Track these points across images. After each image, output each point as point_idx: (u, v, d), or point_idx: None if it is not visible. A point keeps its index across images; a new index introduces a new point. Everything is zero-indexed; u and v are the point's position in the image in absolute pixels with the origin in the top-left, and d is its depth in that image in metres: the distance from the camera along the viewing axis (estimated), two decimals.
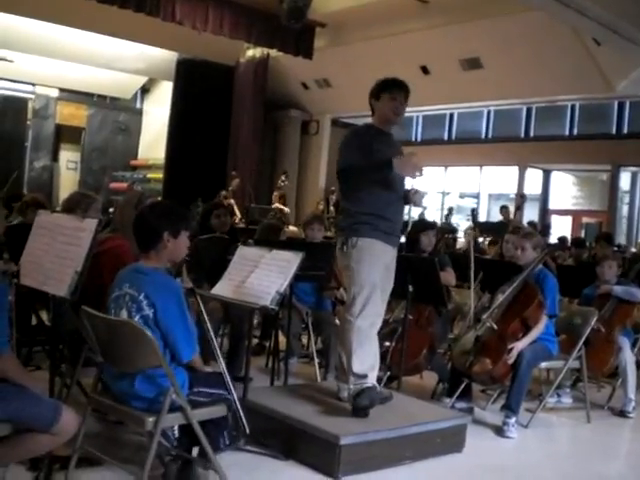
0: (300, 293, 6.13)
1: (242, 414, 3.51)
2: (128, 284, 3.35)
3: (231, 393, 3.46)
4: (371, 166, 4.28)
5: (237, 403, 3.49)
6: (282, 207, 14.25)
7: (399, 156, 4.28)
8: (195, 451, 3.53)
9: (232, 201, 12.00)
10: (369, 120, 4.63)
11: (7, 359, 2.97)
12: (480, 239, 10.99)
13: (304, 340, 6.90)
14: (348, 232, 4.39)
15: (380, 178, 4.30)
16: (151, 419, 3.17)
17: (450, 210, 14.18)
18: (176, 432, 3.43)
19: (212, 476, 3.49)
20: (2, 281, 3.13)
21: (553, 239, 11.89)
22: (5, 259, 3.92)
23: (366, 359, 4.34)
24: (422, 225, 6.22)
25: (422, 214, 12.98)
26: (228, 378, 3.50)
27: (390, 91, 4.50)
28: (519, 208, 12.26)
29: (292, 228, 11.51)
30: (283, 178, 14.53)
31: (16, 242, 4.22)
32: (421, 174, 4.29)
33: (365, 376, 4.31)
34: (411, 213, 13.10)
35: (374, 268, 4.33)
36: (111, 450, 3.78)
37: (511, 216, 12.23)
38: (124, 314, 3.30)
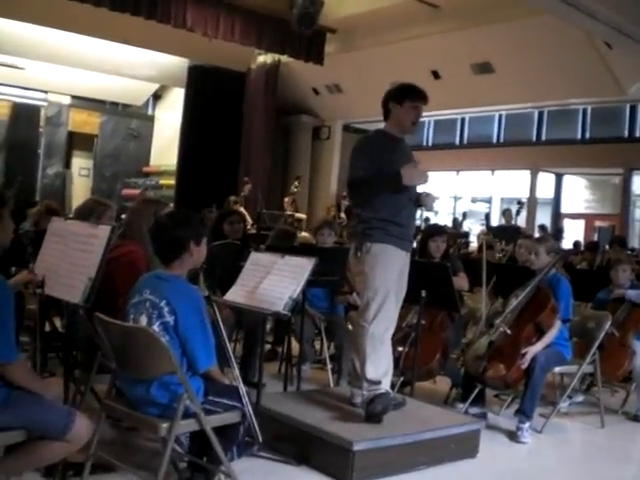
0: (313, 298, 6.14)
1: (255, 424, 3.51)
2: (149, 290, 3.36)
3: (245, 405, 3.45)
4: (382, 180, 4.29)
5: (251, 414, 3.48)
6: (296, 213, 14.19)
7: (406, 166, 4.29)
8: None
9: (242, 208, 11.95)
10: (381, 125, 4.61)
11: (17, 367, 2.95)
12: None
13: (317, 345, 6.89)
14: (361, 238, 4.39)
15: (391, 189, 4.31)
16: (165, 425, 3.17)
17: (464, 215, 14.19)
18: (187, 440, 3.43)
19: None
20: (11, 288, 3.11)
21: (566, 243, 11.86)
22: (31, 268, 3.88)
23: (380, 365, 4.33)
24: (430, 231, 6.20)
25: (427, 219, 13.04)
26: (243, 390, 3.49)
27: (414, 99, 4.46)
28: (518, 213, 12.41)
29: (304, 234, 11.48)
30: (296, 184, 14.45)
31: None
32: (427, 180, 4.37)
33: (379, 382, 4.31)
34: (422, 218, 13.17)
35: (388, 273, 4.33)
36: (125, 456, 3.79)
37: (513, 221, 12.38)
38: (144, 320, 3.31)
